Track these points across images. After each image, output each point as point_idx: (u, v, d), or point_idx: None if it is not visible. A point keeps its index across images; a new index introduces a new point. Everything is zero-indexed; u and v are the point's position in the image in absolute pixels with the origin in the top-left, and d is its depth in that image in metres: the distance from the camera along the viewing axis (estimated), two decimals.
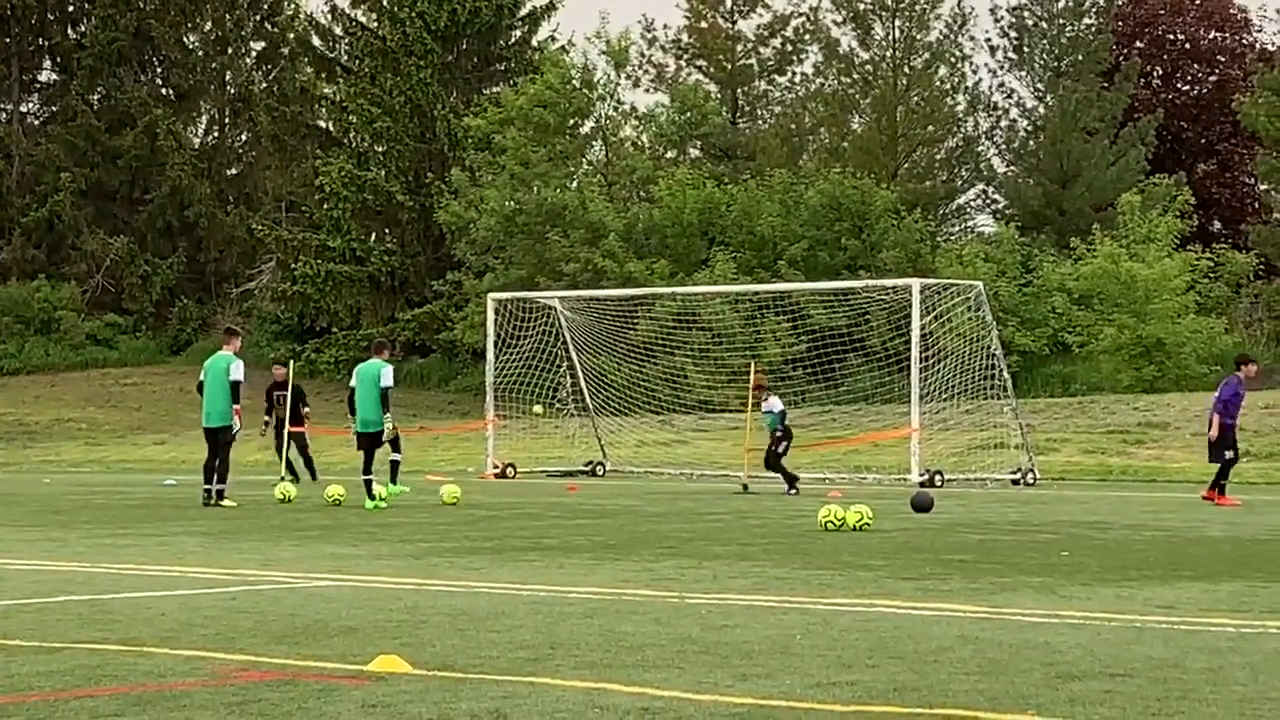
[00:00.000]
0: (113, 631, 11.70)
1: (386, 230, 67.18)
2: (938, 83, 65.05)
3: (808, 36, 68.57)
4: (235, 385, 27.70)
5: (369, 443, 27.27)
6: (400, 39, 64.20)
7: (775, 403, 31.67)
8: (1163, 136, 64.62)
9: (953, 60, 65.09)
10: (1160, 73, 71.08)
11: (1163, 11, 71.08)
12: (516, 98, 59.22)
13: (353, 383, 27.81)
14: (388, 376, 27.03)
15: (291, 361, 36.89)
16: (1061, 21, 63.91)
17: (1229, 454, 28.00)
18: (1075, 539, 20.03)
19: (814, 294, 46.00)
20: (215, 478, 27.47)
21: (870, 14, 64.74)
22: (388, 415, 27.10)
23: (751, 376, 33.96)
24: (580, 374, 40.89)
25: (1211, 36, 71.38)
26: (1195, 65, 71.68)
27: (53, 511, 26.21)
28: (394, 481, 27.44)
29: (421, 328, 62.87)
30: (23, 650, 10.80)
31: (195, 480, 37.51)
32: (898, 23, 64.60)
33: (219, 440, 27.74)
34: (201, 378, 28.33)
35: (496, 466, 38.38)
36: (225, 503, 27.15)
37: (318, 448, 38.16)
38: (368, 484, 26.88)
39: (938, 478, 33.34)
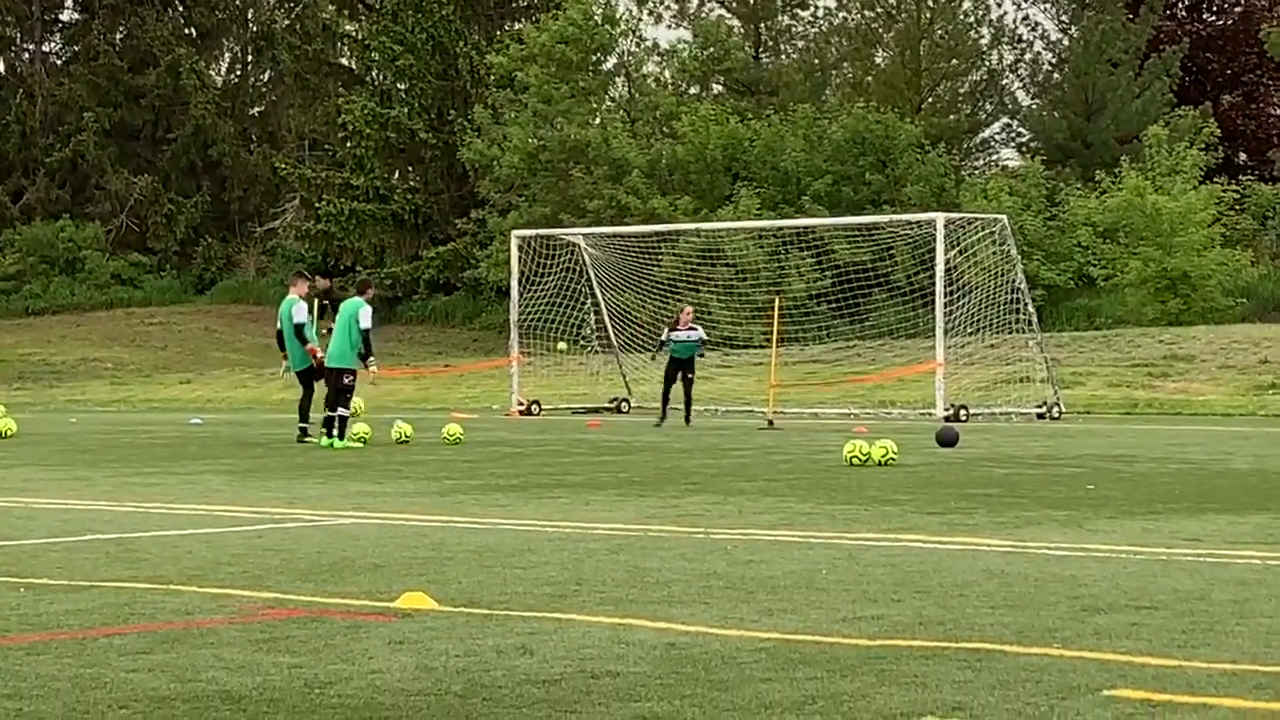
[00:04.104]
0: (140, 570, 11.74)
1: (410, 168, 67.09)
2: (961, 16, 64.71)
3: None
4: (299, 328, 27.89)
5: (336, 379, 26.85)
6: None
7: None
8: (1188, 68, 64.19)
9: None
10: (1185, 3, 70.54)
11: None
12: (539, 34, 58.99)
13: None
14: (366, 317, 26.76)
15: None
16: None
17: None
18: (1101, 472, 20.01)
19: (838, 229, 45.87)
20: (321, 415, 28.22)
21: None
22: (372, 359, 26.98)
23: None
24: (604, 311, 40.85)
25: None
26: None
27: (79, 451, 26.29)
28: (341, 437, 26.77)
29: (445, 265, 62.80)
30: (51, 589, 10.85)
31: (221, 419, 37.65)
32: None
33: (306, 381, 28.14)
34: (279, 325, 28.48)
35: (521, 403, 38.41)
36: (309, 439, 27.25)
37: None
38: (328, 421, 26.47)
39: (963, 412, 33.28)
